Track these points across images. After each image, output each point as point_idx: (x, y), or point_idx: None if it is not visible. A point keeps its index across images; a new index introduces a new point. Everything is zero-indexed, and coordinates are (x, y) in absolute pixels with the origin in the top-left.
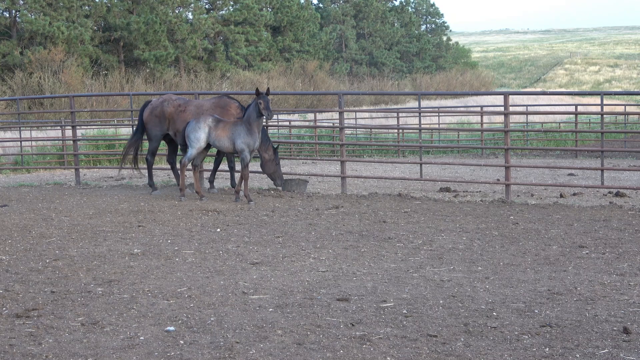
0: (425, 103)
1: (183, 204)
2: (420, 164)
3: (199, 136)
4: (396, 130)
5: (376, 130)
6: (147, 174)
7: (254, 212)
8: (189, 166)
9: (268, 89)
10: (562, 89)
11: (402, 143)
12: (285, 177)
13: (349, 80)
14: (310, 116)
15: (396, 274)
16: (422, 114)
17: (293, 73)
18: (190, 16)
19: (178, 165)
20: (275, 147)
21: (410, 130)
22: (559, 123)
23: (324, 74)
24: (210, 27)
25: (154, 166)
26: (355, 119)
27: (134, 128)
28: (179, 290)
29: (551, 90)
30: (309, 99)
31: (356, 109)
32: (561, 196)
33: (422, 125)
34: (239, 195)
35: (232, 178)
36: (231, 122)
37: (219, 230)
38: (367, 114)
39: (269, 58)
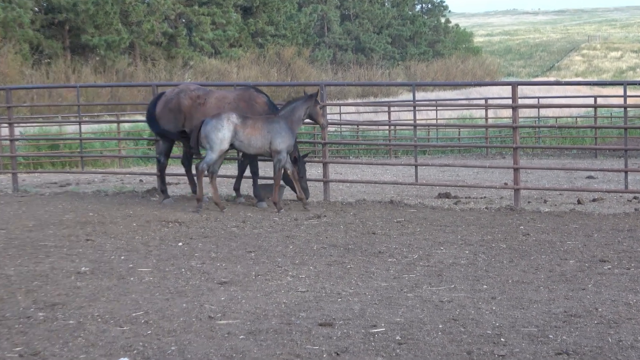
0: (420, 95)
1: (139, 214)
2: (416, 166)
3: (223, 136)
4: (387, 127)
5: (364, 126)
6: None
7: (222, 224)
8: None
9: (319, 91)
10: (579, 79)
11: (394, 141)
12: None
13: (332, 69)
14: None
15: (388, 294)
16: (417, 108)
17: (267, 61)
18: None
19: (193, 170)
20: (303, 154)
21: (404, 127)
22: (576, 118)
23: (303, 62)
24: (170, 8)
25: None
26: (340, 113)
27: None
28: (134, 314)
29: (566, 79)
30: (285, 90)
31: (341, 102)
32: (579, 202)
33: (418, 121)
34: (279, 206)
35: (256, 185)
36: (263, 118)
37: (181, 244)
38: (353, 108)
39: (239, 44)
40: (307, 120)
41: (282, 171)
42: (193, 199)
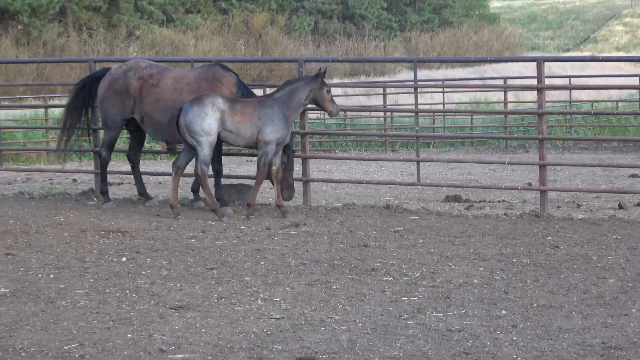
0: (423, 74)
1: (72, 222)
2: (418, 162)
3: (209, 125)
4: (382, 114)
5: (353, 113)
6: (99, 178)
7: (176, 234)
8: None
9: (325, 69)
10: (621, 53)
11: (391, 131)
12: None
13: (313, 41)
14: (259, 92)
15: (383, 322)
16: (419, 90)
17: (232, 31)
18: None
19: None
20: (293, 148)
21: (403, 114)
22: (617, 102)
23: (277, 32)
24: None
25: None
26: None
27: (68, 103)
28: (66, 347)
29: (605, 54)
30: (255, 68)
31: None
32: (620, 207)
33: (420, 106)
34: (251, 211)
35: (218, 186)
36: (254, 102)
37: (124, 259)
38: (340, 90)
39: (197, 9)
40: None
41: (267, 168)
42: (139, 203)
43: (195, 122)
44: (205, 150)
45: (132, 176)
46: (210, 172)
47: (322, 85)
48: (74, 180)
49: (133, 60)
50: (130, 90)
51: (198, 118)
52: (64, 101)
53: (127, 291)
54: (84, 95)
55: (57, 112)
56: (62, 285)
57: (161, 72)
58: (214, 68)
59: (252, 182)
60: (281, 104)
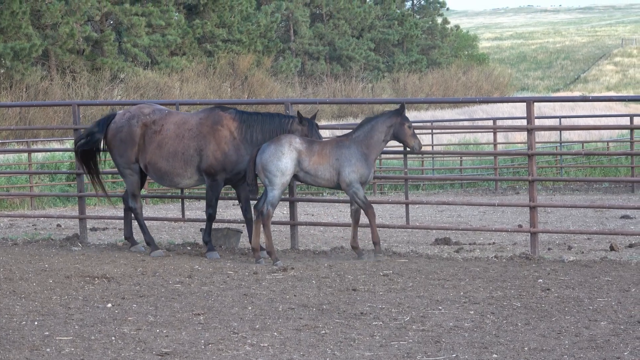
0: (412, 115)
1: (57, 268)
2: (407, 204)
3: (285, 165)
4: None
5: None
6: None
7: (162, 279)
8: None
9: (404, 105)
10: (611, 93)
11: (380, 173)
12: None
13: (300, 83)
14: None
15: None
16: None
17: (218, 73)
18: None
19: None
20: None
21: (391, 155)
22: (607, 142)
23: (264, 74)
24: (94, 7)
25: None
26: None
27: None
28: None
29: (595, 94)
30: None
31: None
32: (612, 249)
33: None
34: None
35: (208, 229)
36: (332, 142)
37: (110, 305)
38: (327, 132)
39: (182, 51)
40: None
41: (369, 203)
42: (124, 248)
43: (271, 161)
44: (276, 192)
45: (117, 221)
46: (203, 215)
47: (403, 120)
48: (58, 225)
49: (137, 107)
50: (135, 139)
51: (274, 157)
52: (48, 145)
53: (113, 338)
54: (93, 141)
55: (41, 157)
56: (47, 332)
57: (164, 117)
58: (214, 112)
59: (238, 226)
60: (359, 143)
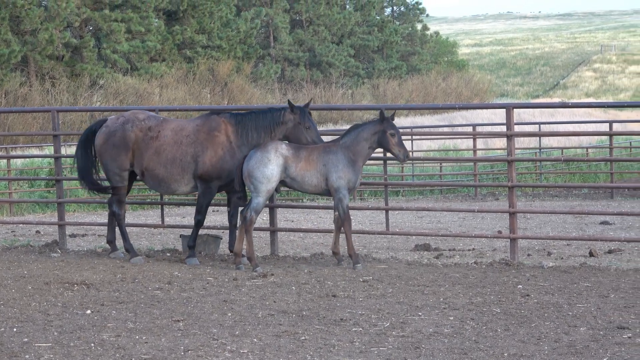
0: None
1: (36, 275)
2: (386, 211)
3: (271, 172)
4: None
5: None
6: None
7: (142, 285)
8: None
9: (394, 113)
10: (591, 99)
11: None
12: (187, 232)
13: (280, 89)
14: None
15: None
16: None
17: (198, 79)
18: None
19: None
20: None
21: (371, 162)
22: (587, 148)
23: (244, 80)
24: (74, 13)
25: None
26: None
27: (76, 159)
28: None
29: (574, 101)
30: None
31: None
32: (591, 255)
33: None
34: (356, 259)
35: (194, 235)
36: (319, 148)
37: (89, 312)
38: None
39: (161, 57)
40: None
41: (349, 214)
42: (104, 255)
43: (257, 168)
44: (261, 198)
45: (96, 227)
46: (182, 222)
47: (387, 128)
48: (37, 232)
49: (130, 112)
50: (129, 144)
51: (260, 164)
52: (27, 151)
53: (92, 344)
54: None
55: (20, 163)
56: (26, 339)
57: (160, 124)
58: (210, 117)
59: (218, 232)
60: (346, 149)
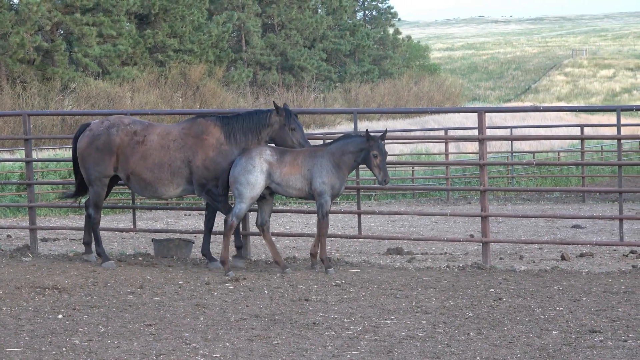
0: (364, 125)
1: (7, 279)
2: (359, 214)
3: (255, 178)
4: None
5: None
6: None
7: (114, 290)
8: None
9: (384, 134)
10: (562, 103)
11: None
12: (159, 236)
13: (251, 93)
14: None
15: None
16: None
17: (169, 83)
18: (15, 0)
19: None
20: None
21: None
22: (558, 152)
23: (215, 84)
24: (45, 16)
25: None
26: None
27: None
28: None
29: (546, 105)
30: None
31: None
32: (563, 258)
33: None
34: (327, 263)
35: (208, 241)
36: (305, 152)
37: (61, 316)
38: None
39: (133, 61)
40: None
41: (327, 219)
42: (76, 259)
43: (242, 174)
44: (244, 204)
45: (68, 231)
46: (154, 226)
47: (372, 149)
48: (9, 236)
49: (116, 116)
50: (113, 148)
51: (245, 170)
52: None
53: (64, 349)
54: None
55: None
56: None
57: (145, 128)
58: (197, 121)
59: (189, 236)
60: (332, 155)
